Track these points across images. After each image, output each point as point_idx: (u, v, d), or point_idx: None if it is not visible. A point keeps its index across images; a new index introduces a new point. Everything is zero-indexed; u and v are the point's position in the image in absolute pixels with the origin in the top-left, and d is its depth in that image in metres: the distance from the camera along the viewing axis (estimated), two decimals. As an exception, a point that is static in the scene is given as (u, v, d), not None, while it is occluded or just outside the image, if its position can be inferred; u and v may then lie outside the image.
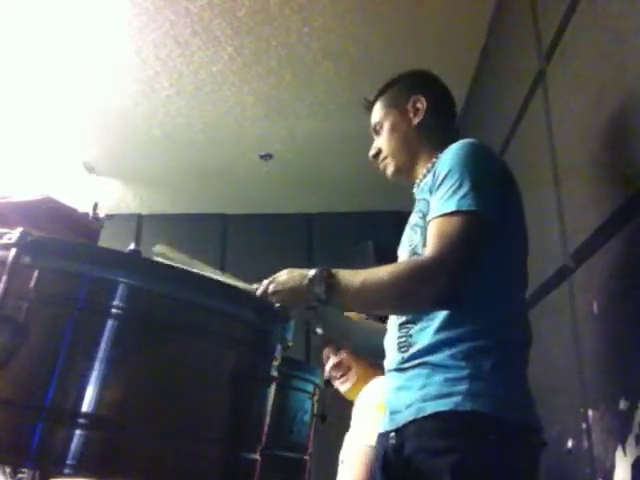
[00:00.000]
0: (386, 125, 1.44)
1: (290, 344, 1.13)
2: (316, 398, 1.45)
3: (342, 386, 1.87)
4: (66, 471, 0.75)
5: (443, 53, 2.84)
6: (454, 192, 1.18)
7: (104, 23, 2.73)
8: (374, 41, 2.80)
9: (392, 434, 1.21)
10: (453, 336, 1.16)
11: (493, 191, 1.21)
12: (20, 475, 0.98)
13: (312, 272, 1.20)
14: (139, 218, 4.63)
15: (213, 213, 4.57)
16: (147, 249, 0.91)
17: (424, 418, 1.13)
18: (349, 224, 4.40)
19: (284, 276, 1.24)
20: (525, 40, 2.04)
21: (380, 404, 1.63)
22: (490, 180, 1.22)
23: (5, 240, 0.78)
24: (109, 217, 1.35)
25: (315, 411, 1.42)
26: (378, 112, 1.47)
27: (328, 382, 1.50)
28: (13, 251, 0.77)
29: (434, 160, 1.33)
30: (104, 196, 4.25)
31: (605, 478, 1.34)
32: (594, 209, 1.47)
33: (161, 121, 3.50)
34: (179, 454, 0.82)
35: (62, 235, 1.13)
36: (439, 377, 1.14)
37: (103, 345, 0.78)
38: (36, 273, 0.78)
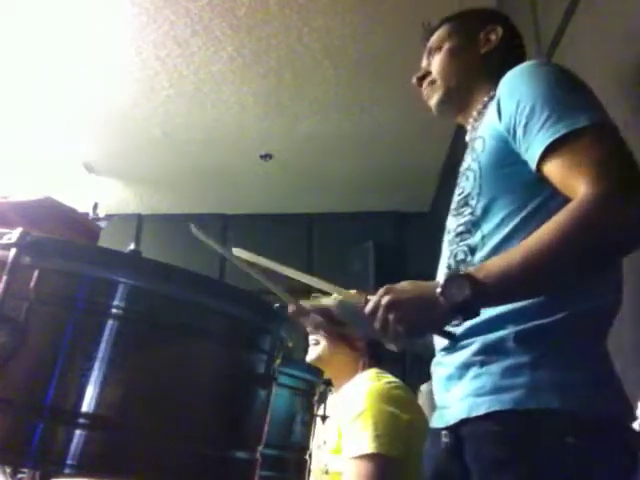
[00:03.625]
0: (446, 46, 1.20)
1: (290, 344, 1.13)
2: (316, 398, 1.45)
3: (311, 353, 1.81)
4: (66, 471, 0.75)
5: (443, 53, 2.84)
6: (560, 112, 0.90)
7: (104, 23, 2.74)
8: (374, 41, 2.81)
9: (444, 432, 1.00)
10: (516, 311, 0.92)
11: (595, 99, 0.95)
12: (20, 475, 0.98)
13: (444, 278, 0.89)
14: (139, 218, 4.64)
15: (213, 213, 4.58)
16: (147, 249, 0.91)
17: (478, 418, 0.91)
18: (349, 224, 4.41)
19: (405, 284, 0.94)
20: (525, 40, 2.04)
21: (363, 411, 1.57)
22: (585, 87, 0.96)
23: (5, 240, 0.78)
24: (109, 217, 1.36)
25: (315, 411, 1.42)
26: (440, 34, 1.23)
27: (328, 382, 1.49)
28: (13, 251, 0.77)
29: (492, 94, 1.06)
30: (104, 196, 4.25)
31: (605, 478, 1.34)
32: (594, 209, 1.47)
33: (161, 121, 3.50)
34: (179, 454, 0.82)
35: (62, 235, 1.13)
36: (496, 365, 0.92)
37: (103, 345, 0.78)
38: (36, 273, 0.78)
